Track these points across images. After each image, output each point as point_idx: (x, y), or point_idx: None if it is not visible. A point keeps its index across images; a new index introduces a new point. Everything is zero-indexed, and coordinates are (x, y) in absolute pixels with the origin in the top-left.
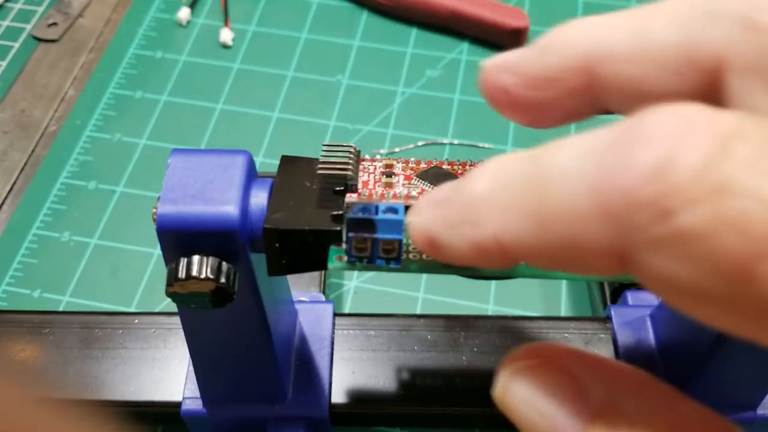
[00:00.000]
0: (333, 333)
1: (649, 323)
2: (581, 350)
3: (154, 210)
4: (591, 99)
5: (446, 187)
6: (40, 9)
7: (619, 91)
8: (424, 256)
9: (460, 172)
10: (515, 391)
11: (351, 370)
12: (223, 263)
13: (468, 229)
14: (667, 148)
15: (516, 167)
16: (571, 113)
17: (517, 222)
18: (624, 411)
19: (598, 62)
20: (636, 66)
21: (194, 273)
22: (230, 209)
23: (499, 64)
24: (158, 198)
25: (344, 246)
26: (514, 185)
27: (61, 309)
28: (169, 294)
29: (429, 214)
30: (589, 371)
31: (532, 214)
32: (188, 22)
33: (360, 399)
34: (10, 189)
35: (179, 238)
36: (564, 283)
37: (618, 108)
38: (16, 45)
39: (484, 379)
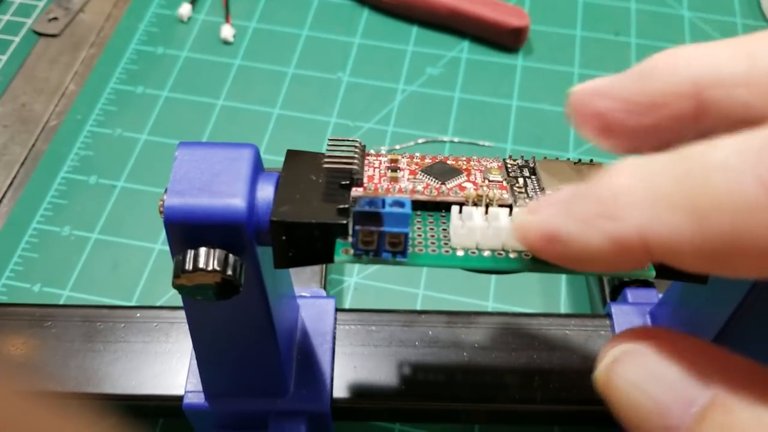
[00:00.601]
0: (335, 328)
1: (649, 320)
2: (693, 336)
3: (161, 202)
4: (693, 124)
5: (570, 188)
6: (41, 3)
7: (730, 116)
8: (429, 251)
9: (464, 167)
10: (623, 373)
11: (352, 365)
12: (230, 255)
13: (607, 223)
14: None
15: (661, 163)
16: (670, 139)
17: (669, 216)
18: (740, 405)
19: (709, 87)
20: (750, 91)
21: (201, 265)
22: (237, 202)
23: (593, 88)
24: (165, 190)
25: (350, 239)
26: (663, 179)
27: (61, 303)
28: (175, 286)
29: (553, 211)
30: (706, 358)
31: (689, 208)
32: (189, 18)
33: (361, 394)
34: (11, 183)
35: (186, 230)
36: (564, 280)
37: (722, 133)
38: (17, 39)
39: (485, 375)
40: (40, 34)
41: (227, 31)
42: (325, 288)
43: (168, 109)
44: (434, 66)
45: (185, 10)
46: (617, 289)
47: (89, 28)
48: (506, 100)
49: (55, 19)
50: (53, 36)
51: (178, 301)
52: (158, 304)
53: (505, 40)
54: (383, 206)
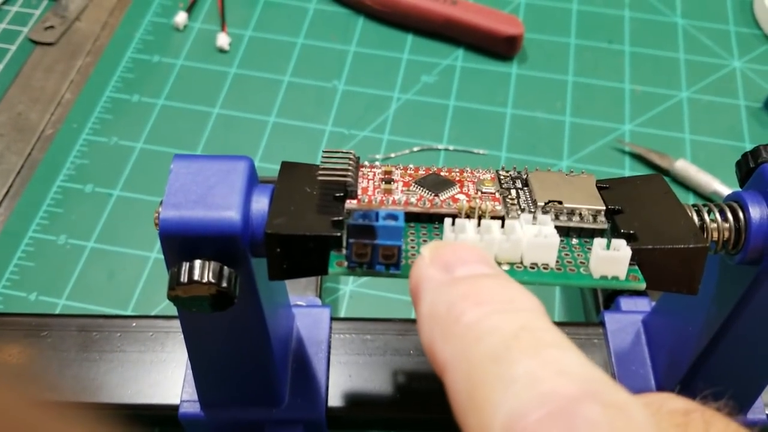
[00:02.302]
0: (330, 337)
1: (641, 329)
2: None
3: (156, 215)
4: None
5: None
6: (37, 12)
7: None
8: None
9: (458, 179)
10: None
11: (348, 373)
12: (225, 268)
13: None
14: None
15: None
16: None
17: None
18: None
19: None
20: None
21: (196, 277)
22: (232, 214)
23: None
24: (160, 202)
25: (344, 251)
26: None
27: (57, 312)
28: (170, 298)
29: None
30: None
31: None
32: (185, 27)
33: (356, 403)
34: (7, 192)
35: (181, 243)
36: (558, 288)
37: None
38: (13, 48)
39: None
40: (37, 43)
41: (223, 40)
42: (320, 296)
43: (164, 117)
44: (429, 74)
45: (181, 18)
46: (610, 298)
47: (85, 36)
48: (501, 108)
49: (52, 27)
50: (49, 44)
51: (174, 310)
52: (154, 312)
53: (500, 48)
54: (377, 219)
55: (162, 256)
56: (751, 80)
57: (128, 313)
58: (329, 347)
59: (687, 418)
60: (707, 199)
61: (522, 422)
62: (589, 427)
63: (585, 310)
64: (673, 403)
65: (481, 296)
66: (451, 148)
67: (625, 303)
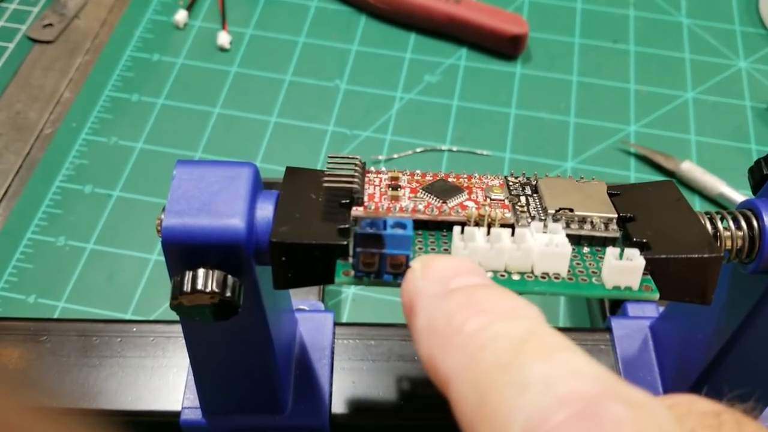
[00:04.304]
0: (333, 342)
1: (649, 335)
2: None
3: (158, 222)
4: None
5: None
6: (36, 9)
7: None
8: None
9: (465, 185)
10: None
11: (351, 380)
12: (229, 276)
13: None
14: None
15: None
16: None
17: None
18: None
19: None
20: None
21: (200, 286)
22: (236, 222)
23: None
24: (163, 209)
25: (351, 260)
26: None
27: (56, 314)
28: (173, 307)
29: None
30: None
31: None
32: (185, 25)
33: (360, 409)
34: (5, 192)
35: (185, 251)
36: None
37: None
38: (11, 46)
39: None
40: (35, 41)
41: (224, 38)
42: (323, 300)
43: (164, 117)
44: (432, 74)
45: (181, 16)
46: (617, 303)
47: (84, 34)
48: (505, 108)
49: (50, 25)
50: (48, 42)
51: (175, 314)
52: (155, 315)
53: (504, 47)
54: (385, 228)
55: (163, 258)
56: (757, 81)
57: (128, 315)
58: (332, 353)
59: (719, 419)
60: (713, 201)
61: (545, 426)
62: (616, 425)
63: (591, 316)
64: (702, 404)
65: (481, 305)
66: (454, 148)
67: (632, 308)
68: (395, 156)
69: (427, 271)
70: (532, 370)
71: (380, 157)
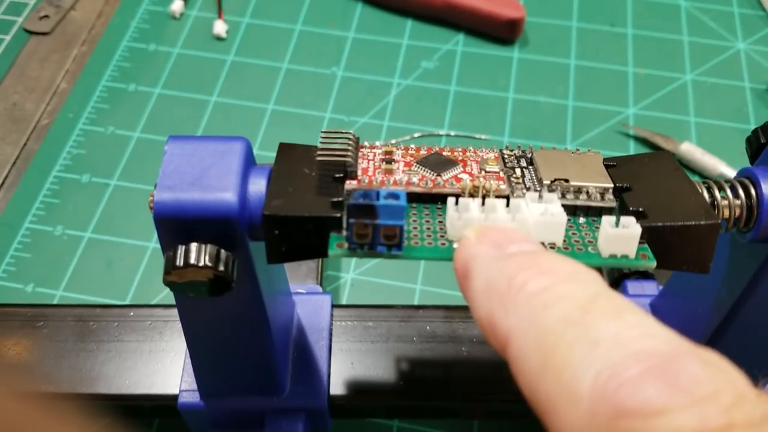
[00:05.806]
0: (331, 324)
1: (649, 312)
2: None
3: (151, 198)
4: None
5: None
6: (32, 1)
7: None
8: (425, 244)
9: (460, 158)
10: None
11: (350, 361)
12: (222, 251)
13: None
14: None
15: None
16: None
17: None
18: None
19: None
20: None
21: (192, 261)
22: (229, 196)
23: None
24: (155, 185)
25: (345, 233)
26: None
27: (54, 303)
28: (166, 283)
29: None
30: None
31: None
32: (181, 14)
33: (359, 391)
34: (2, 183)
35: (177, 226)
36: None
37: None
38: (7, 38)
39: (484, 369)
40: (31, 32)
41: (220, 27)
42: (321, 284)
43: (161, 106)
44: (429, 59)
45: (177, 6)
46: (617, 281)
47: (80, 25)
48: (502, 92)
49: (46, 17)
50: (44, 34)
51: (173, 298)
52: (153, 302)
53: (501, 32)
54: (378, 198)
55: (160, 246)
56: (756, 62)
57: (126, 302)
58: (330, 335)
59: None
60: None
61: (617, 379)
62: (693, 382)
63: None
64: None
65: (544, 267)
66: (452, 133)
67: (632, 286)
68: (393, 142)
69: (482, 237)
70: (603, 327)
71: (378, 143)
